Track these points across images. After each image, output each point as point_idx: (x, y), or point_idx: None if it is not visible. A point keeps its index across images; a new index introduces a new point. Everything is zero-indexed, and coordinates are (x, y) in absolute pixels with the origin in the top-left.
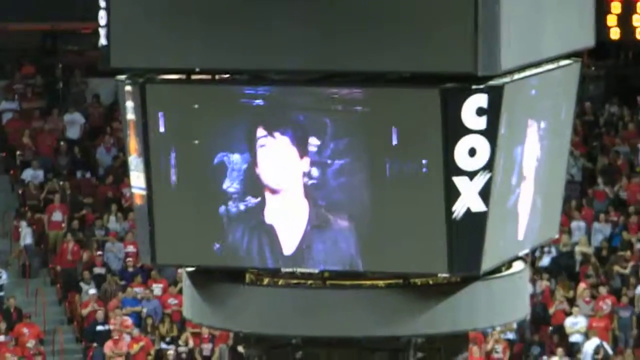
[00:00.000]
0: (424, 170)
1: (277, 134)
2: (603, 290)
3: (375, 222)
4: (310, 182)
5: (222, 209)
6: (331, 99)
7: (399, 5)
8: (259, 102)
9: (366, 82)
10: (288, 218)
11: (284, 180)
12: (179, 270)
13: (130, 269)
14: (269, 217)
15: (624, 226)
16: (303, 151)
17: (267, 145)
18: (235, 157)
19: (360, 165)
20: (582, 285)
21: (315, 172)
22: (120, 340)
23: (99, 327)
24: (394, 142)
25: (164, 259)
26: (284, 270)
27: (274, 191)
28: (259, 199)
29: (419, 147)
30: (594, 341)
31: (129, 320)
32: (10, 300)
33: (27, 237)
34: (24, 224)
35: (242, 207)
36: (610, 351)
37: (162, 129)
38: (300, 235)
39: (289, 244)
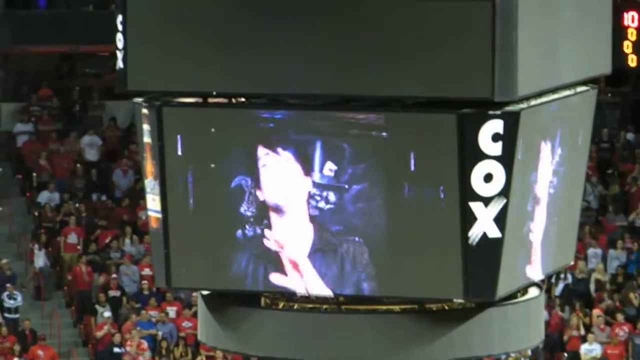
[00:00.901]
0: (442, 196)
1: (280, 151)
2: (619, 317)
3: (391, 247)
4: (328, 206)
5: (239, 232)
6: (349, 124)
7: (416, 31)
8: (275, 126)
9: (383, 107)
10: (294, 243)
11: (288, 200)
12: (194, 294)
13: (146, 292)
14: (276, 242)
15: None
16: (307, 169)
17: (272, 164)
18: (252, 181)
19: (377, 190)
20: (597, 312)
21: (332, 197)
22: None
23: (115, 350)
24: (412, 167)
25: (179, 282)
26: (299, 294)
27: (279, 211)
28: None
29: (436, 172)
30: None
31: (145, 344)
32: (25, 322)
33: (41, 259)
34: (38, 246)
35: (258, 230)
36: None
37: (179, 152)
38: (303, 260)
39: (293, 270)
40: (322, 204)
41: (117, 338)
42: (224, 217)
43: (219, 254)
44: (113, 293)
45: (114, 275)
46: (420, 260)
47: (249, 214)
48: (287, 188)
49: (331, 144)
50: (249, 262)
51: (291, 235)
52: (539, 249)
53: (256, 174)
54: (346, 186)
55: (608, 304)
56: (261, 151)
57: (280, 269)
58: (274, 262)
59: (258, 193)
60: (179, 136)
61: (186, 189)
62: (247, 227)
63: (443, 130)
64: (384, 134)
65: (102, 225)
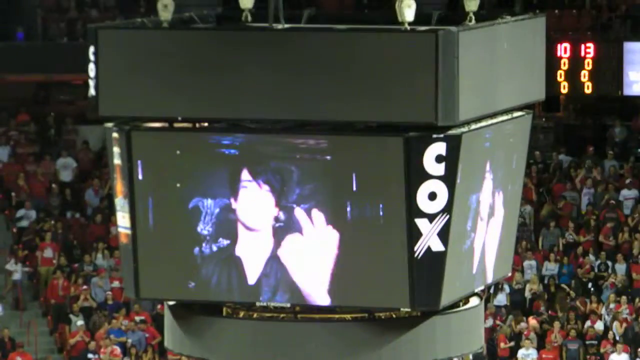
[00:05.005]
0: (381, 213)
1: (253, 182)
2: (553, 324)
3: (340, 261)
4: (277, 224)
5: (197, 250)
6: (297, 148)
7: (367, 61)
8: (233, 151)
9: (334, 131)
10: (255, 253)
11: (259, 222)
12: (159, 306)
13: (109, 302)
14: (239, 251)
15: (573, 266)
16: (280, 198)
17: (252, 192)
18: (209, 202)
19: (323, 209)
20: (533, 320)
21: (282, 215)
22: None
23: (89, 356)
24: (354, 187)
25: (147, 293)
26: (258, 304)
27: (250, 230)
28: (229, 241)
29: (377, 191)
30: None
31: (117, 350)
32: (4, 330)
33: (19, 272)
34: (15, 260)
35: (214, 248)
36: None
37: (140, 176)
38: (262, 266)
39: (253, 275)
40: (273, 222)
41: (91, 345)
42: (182, 236)
43: (179, 269)
44: (86, 304)
45: (86, 287)
46: (369, 272)
47: (205, 232)
48: (261, 213)
49: (281, 167)
50: (207, 272)
51: (254, 247)
52: (479, 262)
53: (220, 196)
54: (294, 206)
55: (543, 316)
56: (245, 175)
57: (241, 279)
58: (230, 270)
59: (232, 210)
60: (139, 161)
61: (147, 209)
62: (203, 245)
63: (389, 152)
64: (328, 157)
65: (76, 241)
